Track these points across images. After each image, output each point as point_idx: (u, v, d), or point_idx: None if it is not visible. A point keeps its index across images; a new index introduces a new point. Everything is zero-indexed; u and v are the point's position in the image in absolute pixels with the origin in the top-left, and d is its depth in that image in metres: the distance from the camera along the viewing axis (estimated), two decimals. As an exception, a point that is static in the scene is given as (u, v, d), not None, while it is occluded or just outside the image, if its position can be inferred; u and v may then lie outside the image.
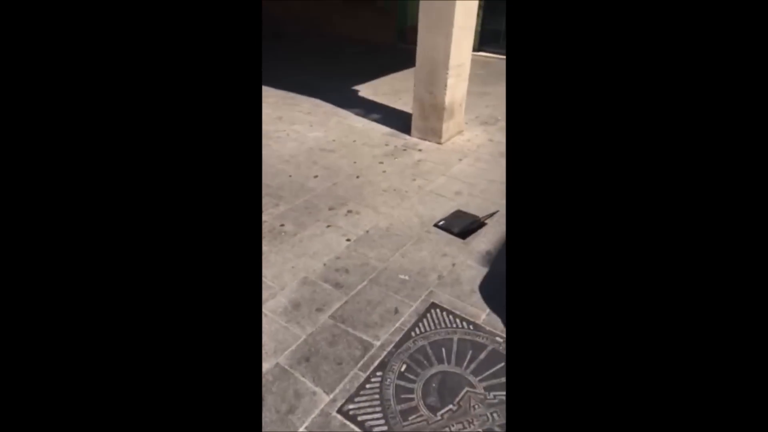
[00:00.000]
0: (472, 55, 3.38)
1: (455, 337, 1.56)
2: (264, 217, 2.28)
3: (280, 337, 1.53)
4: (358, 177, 2.78)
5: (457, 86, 3.25)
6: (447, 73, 3.07)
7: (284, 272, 1.87)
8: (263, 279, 1.82)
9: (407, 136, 3.45)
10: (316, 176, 2.76)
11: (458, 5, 2.84)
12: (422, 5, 2.95)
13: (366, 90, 4.75)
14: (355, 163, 2.98)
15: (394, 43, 7.10)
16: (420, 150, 3.23)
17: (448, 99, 3.18)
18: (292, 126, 3.62)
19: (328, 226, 2.23)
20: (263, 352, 1.47)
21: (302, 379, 1.38)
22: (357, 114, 3.97)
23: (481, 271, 1.91)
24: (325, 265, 1.93)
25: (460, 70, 3.21)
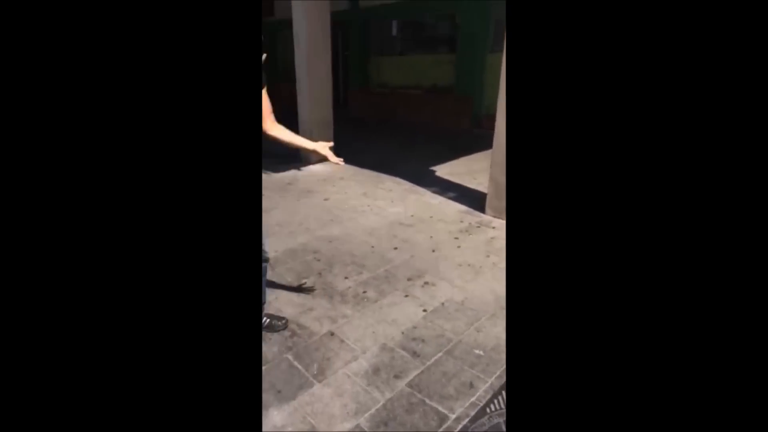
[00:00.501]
0: (548, 140, 3.54)
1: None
2: (349, 283, 2.49)
3: (360, 399, 1.64)
4: (434, 251, 2.94)
5: (533, 169, 3.38)
6: (523, 158, 3.23)
7: (366, 336, 2.01)
8: (347, 341, 1.97)
9: (481, 214, 3.59)
10: (395, 248, 2.97)
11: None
12: (501, 95, 3.24)
13: (443, 170, 5.06)
14: (431, 237, 3.16)
15: (470, 129, 7.55)
16: (494, 227, 3.33)
17: (524, 181, 3.31)
18: (375, 201, 3.95)
19: (406, 296, 2.37)
20: (345, 411, 1.58)
21: (380, 441, 1.45)
22: (434, 192, 4.24)
23: (559, 353, 1.89)
24: (403, 333, 2.04)
25: (536, 154, 3.37)
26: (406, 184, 4.51)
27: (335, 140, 5.69)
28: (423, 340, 1.99)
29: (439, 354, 1.89)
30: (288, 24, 5.32)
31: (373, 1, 7.88)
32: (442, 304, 2.30)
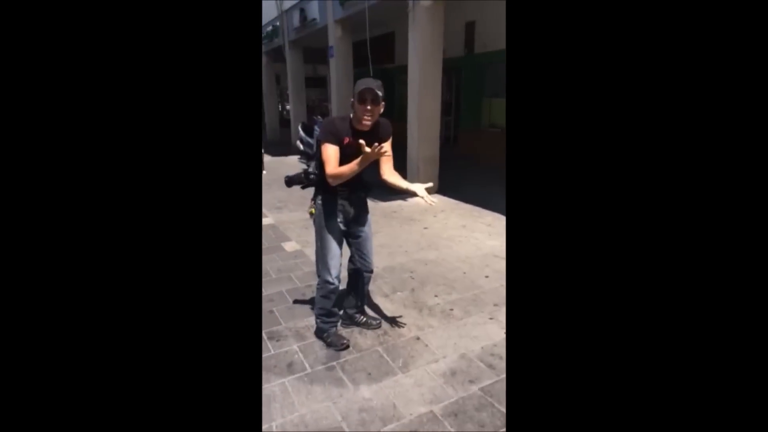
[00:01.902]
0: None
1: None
2: (438, 301, 2.75)
3: (437, 392, 1.87)
4: (525, 283, 3.03)
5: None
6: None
7: (447, 345, 2.24)
8: (430, 346, 2.23)
9: (582, 254, 3.53)
10: (486, 276, 3.15)
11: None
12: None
13: (547, 209, 5.03)
14: (524, 270, 3.24)
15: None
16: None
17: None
18: (473, 233, 4.16)
19: (491, 318, 2.53)
20: (422, 398, 1.82)
21: (449, 428, 1.66)
22: (534, 229, 4.27)
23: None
24: (482, 348, 2.22)
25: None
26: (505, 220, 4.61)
27: (441, 176, 6.07)
28: (501, 357, 2.14)
29: (515, 370, 2.03)
30: (405, 69, 5.98)
31: (487, 48, 8.29)
32: (525, 329, 2.40)
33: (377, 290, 2.90)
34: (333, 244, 2.07)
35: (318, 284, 2.16)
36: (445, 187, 5.94)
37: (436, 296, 2.82)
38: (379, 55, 10.56)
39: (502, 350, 2.20)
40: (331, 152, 1.88)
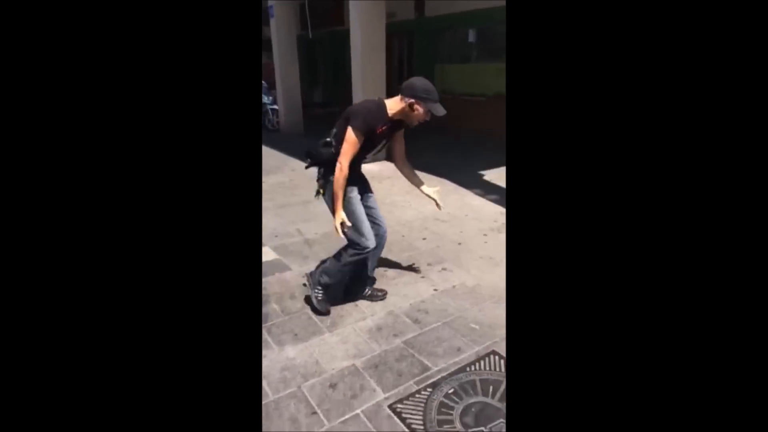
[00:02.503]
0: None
1: (505, 381, 1.73)
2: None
3: (361, 347, 1.94)
4: (460, 243, 3.14)
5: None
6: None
7: (377, 304, 2.31)
8: (360, 305, 2.29)
9: (517, 215, 3.68)
10: (424, 238, 3.23)
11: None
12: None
13: (492, 174, 5.18)
14: (461, 232, 3.36)
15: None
16: (526, 228, 3.42)
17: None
18: (417, 199, 4.21)
19: (422, 277, 2.62)
20: (346, 354, 1.89)
21: (368, 378, 1.74)
22: (477, 194, 4.40)
23: (550, 335, 2.02)
24: (410, 305, 2.31)
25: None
26: (450, 185, 4.71)
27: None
28: (426, 312, 2.23)
29: (438, 323, 2.13)
30: (355, 34, 5.80)
31: (439, 11, 8.17)
32: (453, 286, 2.52)
33: (313, 256, 2.91)
34: (361, 213, 2.10)
35: (352, 253, 2.09)
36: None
37: (372, 259, 2.87)
38: (327, 18, 10.15)
39: (429, 305, 2.29)
40: (356, 143, 1.91)
